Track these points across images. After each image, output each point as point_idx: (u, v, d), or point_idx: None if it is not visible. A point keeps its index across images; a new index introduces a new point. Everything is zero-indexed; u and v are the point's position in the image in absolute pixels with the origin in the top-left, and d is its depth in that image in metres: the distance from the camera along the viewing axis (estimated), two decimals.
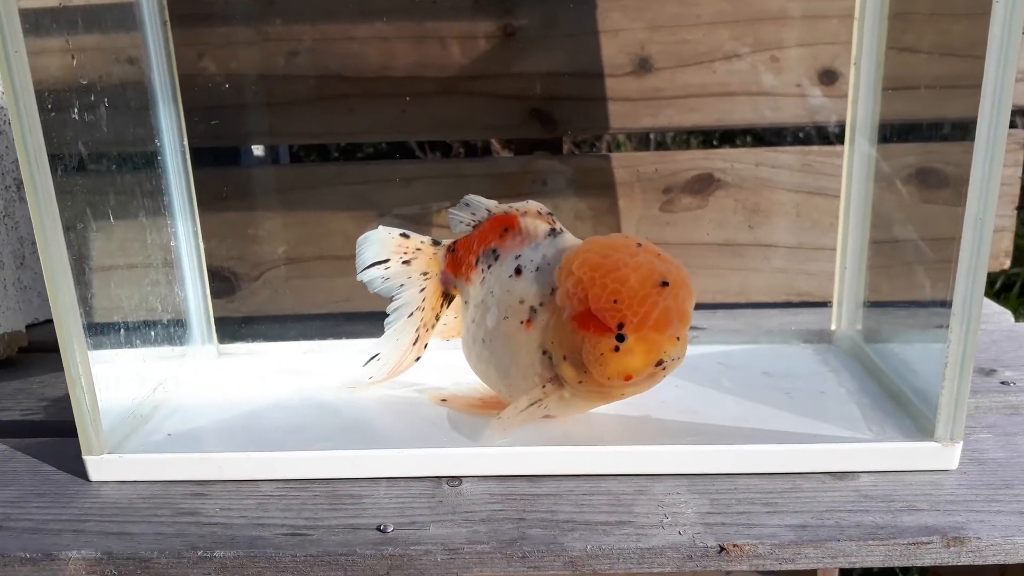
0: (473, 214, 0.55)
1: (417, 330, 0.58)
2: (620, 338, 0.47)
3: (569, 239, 0.52)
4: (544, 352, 0.51)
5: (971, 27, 0.56)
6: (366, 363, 0.58)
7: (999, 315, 0.76)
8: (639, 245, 0.49)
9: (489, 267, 0.54)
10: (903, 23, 0.59)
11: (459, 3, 0.72)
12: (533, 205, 0.53)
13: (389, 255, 0.57)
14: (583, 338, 0.48)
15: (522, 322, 0.51)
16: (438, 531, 0.46)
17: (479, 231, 0.55)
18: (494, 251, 0.54)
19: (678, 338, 0.48)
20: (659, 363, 0.48)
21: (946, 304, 0.55)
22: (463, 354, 0.57)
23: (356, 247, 0.57)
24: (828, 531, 0.44)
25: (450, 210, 0.56)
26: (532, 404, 0.51)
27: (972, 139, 0.52)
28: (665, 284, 0.47)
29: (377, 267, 0.57)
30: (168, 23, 0.61)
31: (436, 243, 0.58)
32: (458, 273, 0.56)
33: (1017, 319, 0.76)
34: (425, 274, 0.58)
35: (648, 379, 0.49)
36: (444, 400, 0.58)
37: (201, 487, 0.51)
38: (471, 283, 0.55)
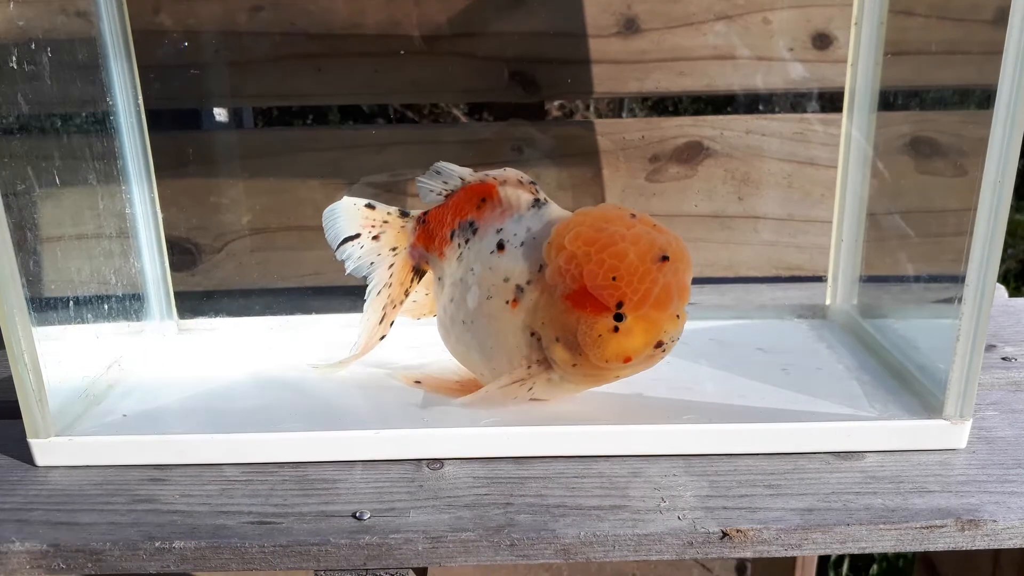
0: (445, 182, 0.51)
1: (384, 307, 0.54)
2: (619, 317, 0.44)
3: (555, 210, 0.48)
4: (532, 334, 0.47)
5: None
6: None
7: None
8: (633, 216, 0.45)
9: (467, 241, 0.50)
10: None
11: None
12: (512, 173, 0.49)
13: (359, 229, 0.53)
14: (578, 318, 0.44)
15: (507, 302, 0.47)
16: (419, 518, 0.42)
17: (453, 201, 0.51)
18: (471, 224, 0.50)
19: (678, 316, 0.45)
20: (658, 344, 0.45)
21: (949, 279, 0.53)
22: (439, 334, 0.53)
23: (323, 221, 0.53)
24: (836, 515, 0.42)
25: (419, 179, 0.52)
26: (514, 382, 0.47)
27: (980, 107, 0.49)
28: (665, 258, 0.43)
29: (351, 244, 0.53)
30: None
31: (404, 214, 0.54)
32: (430, 247, 0.52)
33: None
34: (394, 249, 0.54)
35: (647, 360, 0.46)
36: (418, 382, 0.54)
37: (159, 472, 0.47)
38: (446, 259, 0.51)
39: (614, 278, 0.43)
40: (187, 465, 0.47)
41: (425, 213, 0.53)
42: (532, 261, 0.47)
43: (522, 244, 0.47)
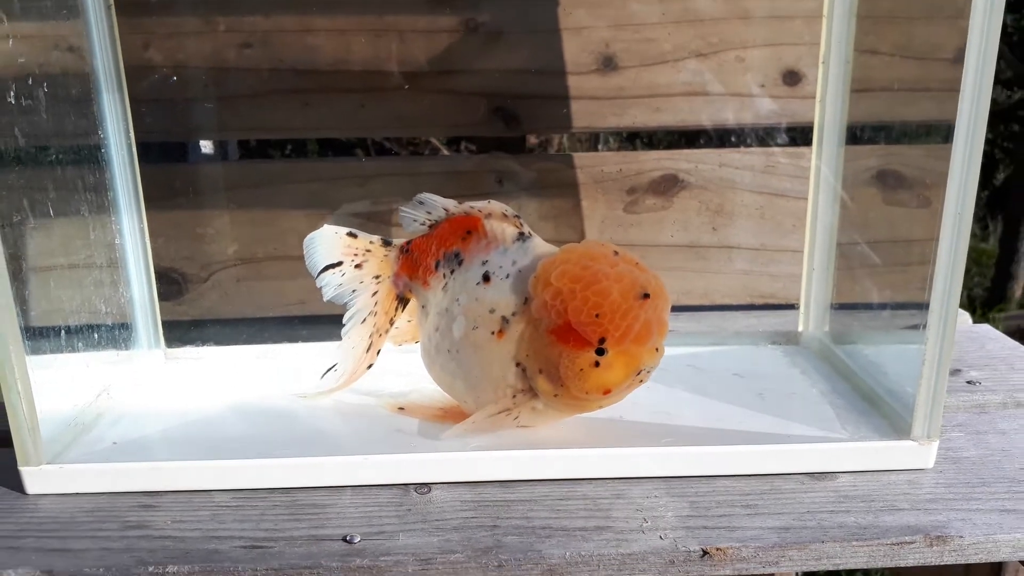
0: (428, 213, 0.53)
1: (371, 336, 0.55)
2: (600, 352, 0.45)
3: (540, 244, 0.50)
4: (518, 364, 0.48)
5: (938, 30, 0.56)
6: (324, 374, 0.55)
7: (958, 316, 0.77)
8: (616, 253, 0.47)
9: (452, 272, 0.51)
10: (871, 24, 0.59)
11: None
12: (497, 206, 0.51)
13: (340, 257, 0.54)
14: (560, 352, 0.46)
15: (493, 332, 0.49)
16: (408, 540, 0.43)
17: (438, 232, 0.53)
18: (457, 255, 0.51)
19: (656, 349, 0.47)
20: (636, 373, 0.46)
21: (915, 306, 0.55)
22: (423, 363, 0.54)
23: (304, 249, 0.54)
24: (811, 532, 0.43)
25: (402, 208, 0.53)
26: (501, 412, 0.49)
27: (942, 141, 0.52)
28: (646, 296, 0.45)
29: (332, 271, 0.54)
30: (112, 7, 0.58)
31: (387, 243, 0.55)
32: (414, 276, 0.54)
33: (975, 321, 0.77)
34: (377, 277, 0.55)
35: (626, 390, 0.47)
36: (401, 409, 0.55)
37: (150, 498, 0.47)
38: (430, 288, 0.53)
39: (597, 315, 0.45)
40: (177, 491, 0.48)
41: (408, 242, 0.54)
42: (518, 294, 0.48)
43: (508, 276, 0.49)
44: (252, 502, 0.47)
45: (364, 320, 0.55)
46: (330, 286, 0.54)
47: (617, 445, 0.49)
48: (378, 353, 0.56)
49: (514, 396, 0.49)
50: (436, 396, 0.55)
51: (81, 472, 0.48)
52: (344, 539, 0.43)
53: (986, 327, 0.72)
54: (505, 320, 0.48)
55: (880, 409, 0.54)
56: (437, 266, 0.52)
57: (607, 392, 0.46)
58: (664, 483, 0.48)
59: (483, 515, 0.45)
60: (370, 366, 0.56)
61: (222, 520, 0.45)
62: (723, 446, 0.49)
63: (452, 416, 0.53)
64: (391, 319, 0.56)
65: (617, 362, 0.45)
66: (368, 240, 0.55)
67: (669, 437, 0.51)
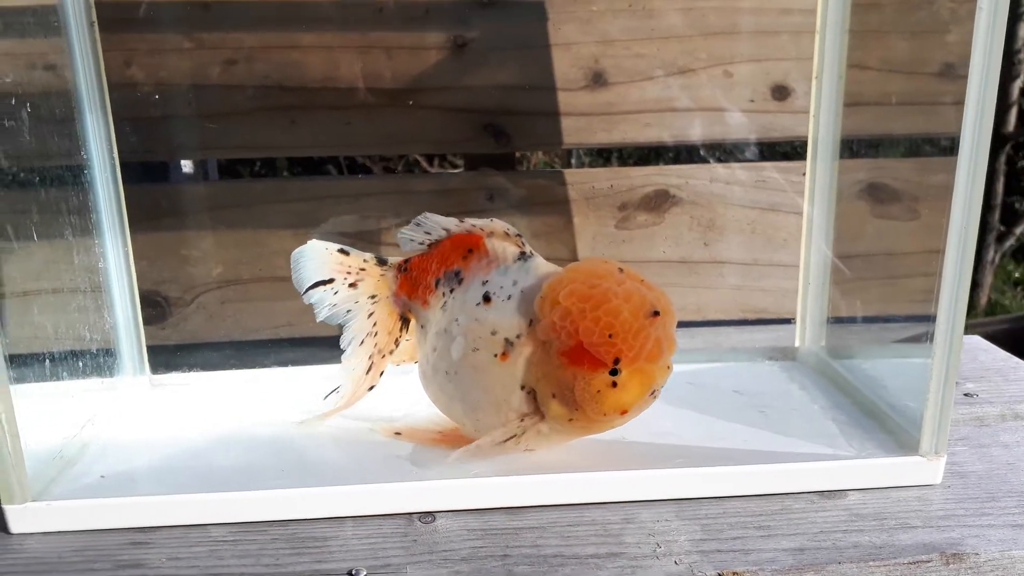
0: (428, 233, 0.51)
1: (371, 357, 0.54)
2: (614, 372, 0.45)
3: (542, 264, 0.49)
4: (523, 388, 0.47)
5: (923, 45, 0.57)
6: (327, 396, 0.54)
7: None
8: (621, 271, 0.47)
9: (451, 291, 0.50)
10: (863, 39, 0.59)
11: (408, 12, 0.69)
12: (499, 225, 0.50)
13: (332, 274, 0.52)
14: (574, 374, 0.45)
15: (496, 355, 0.47)
16: (416, 573, 0.42)
17: (438, 250, 0.51)
18: (457, 274, 0.50)
19: (668, 367, 0.46)
20: (651, 392, 0.46)
21: (911, 319, 0.55)
22: (420, 383, 0.53)
23: (291, 264, 0.52)
24: (827, 554, 0.43)
25: (401, 230, 0.52)
26: (509, 439, 0.48)
27: (934, 154, 0.52)
28: (656, 313, 0.45)
29: (323, 289, 0.52)
30: (96, 24, 0.56)
31: (382, 261, 0.54)
32: (413, 295, 0.52)
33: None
34: (373, 297, 0.53)
35: (640, 410, 0.47)
36: (398, 433, 0.54)
37: (142, 535, 0.46)
38: (429, 307, 0.51)
39: (610, 335, 0.44)
40: (171, 527, 0.46)
41: (407, 261, 0.53)
42: (522, 315, 0.47)
43: (509, 297, 0.48)
44: (250, 536, 0.45)
45: (363, 342, 0.53)
46: (323, 304, 0.53)
47: (624, 468, 0.48)
48: (381, 374, 0.54)
49: (521, 419, 0.48)
50: (433, 419, 0.54)
51: (69, 509, 0.46)
52: (349, 573, 0.42)
53: (976, 338, 0.73)
54: (509, 343, 0.47)
55: (884, 424, 0.53)
56: (437, 284, 0.51)
57: (624, 412, 0.46)
58: (675, 505, 0.47)
59: (492, 544, 0.44)
60: (372, 387, 0.54)
61: (221, 556, 0.44)
62: (733, 466, 0.48)
63: (450, 440, 0.52)
64: (396, 339, 0.54)
65: (632, 381, 0.45)
66: (362, 259, 0.53)
67: (676, 458, 0.50)
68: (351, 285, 0.53)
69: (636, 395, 0.45)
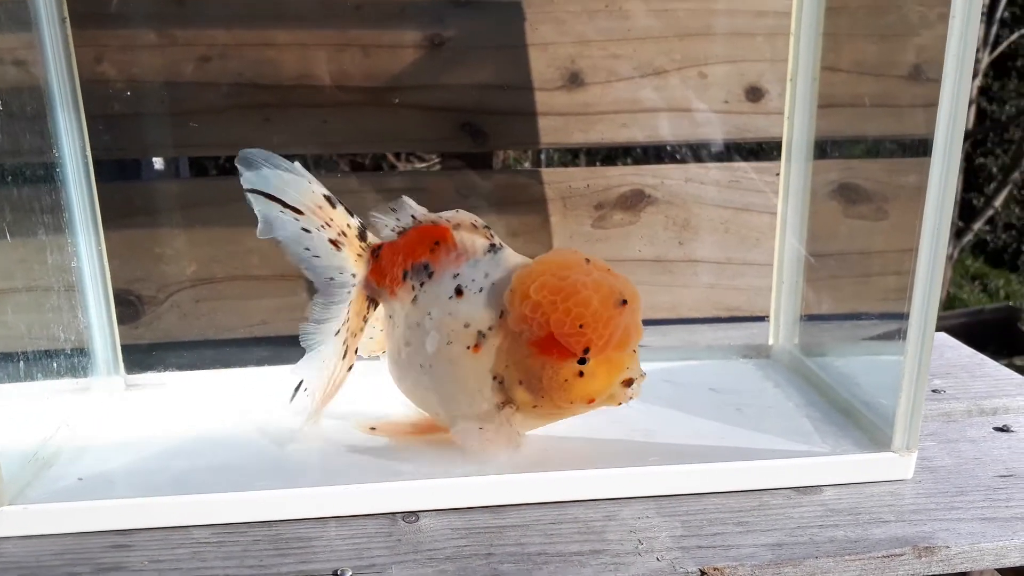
0: (398, 219, 0.51)
1: (345, 341, 0.52)
2: (582, 361, 0.46)
3: (511, 255, 0.50)
4: (495, 378, 0.48)
5: (892, 48, 0.58)
6: (293, 394, 0.52)
7: None
8: (587, 261, 0.47)
9: (422, 284, 0.50)
10: (836, 42, 0.60)
11: (384, 10, 0.69)
12: (465, 216, 0.50)
13: (304, 210, 0.49)
14: (543, 363, 0.46)
15: (468, 347, 0.48)
16: (402, 573, 0.42)
17: (405, 241, 0.51)
18: (426, 267, 0.50)
19: (634, 351, 0.47)
20: (627, 382, 0.47)
21: (882, 316, 0.56)
22: (391, 375, 0.53)
23: (255, 163, 0.48)
24: (804, 548, 0.44)
25: (373, 213, 0.51)
26: (501, 428, 0.49)
27: (912, 155, 0.53)
28: (624, 302, 0.46)
29: (283, 212, 0.49)
30: (67, 20, 0.55)
31: (362, 236, 0.51)
32: (381, 283, 0.51)
33: None
34: (354, 275, 0.51)
35: (608, 400, 0.48)
36: (373, 429, 0.54)
37: (123, 537, 0.45)
38: (397, 298, 0.51)
39: (581, 326, 0.45)
40: (152, 529, 0.46)
41: (379, 246, 0.52)
42: (493, 307, 0.48)
43: (481, 290, 0.48)
44: (233, 537, 0.45)
45: (338, 331, 0.51)
46: (298, 247, 0.49)
47: (603, 466, 0.49)
48: (356, 353, 0.53)
49: (502, 408, 0.48)
50: (406, 411, 0.54)
51: (46, 512, 0.45)
52: (335, 574, 0.42)
53: (943, 335, 0.74)
54: (481, 335, 0.48)
55: (856, 421, 0.54)
56: (405, 277, 0.50)
57: (591, 401, 0.47)
58: (654, 502, 0.48)
59: (476, 543, 0.44)
60: (350, 368, 0.53)
61: (204, 558, 0.43)
62: (711, 463, 0.49)
63: (424, 430, 0.53)
64: (364, 317, 0.53)
65: (600, 370, 0.46)
66: (346, 221, 0.51)
67: (654, 455, 0.50)
68: (332, 243, 0.50)
69: (603, 384, 0.46)
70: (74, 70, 0.56)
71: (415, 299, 0.50)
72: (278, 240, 0.50)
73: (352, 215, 0.51)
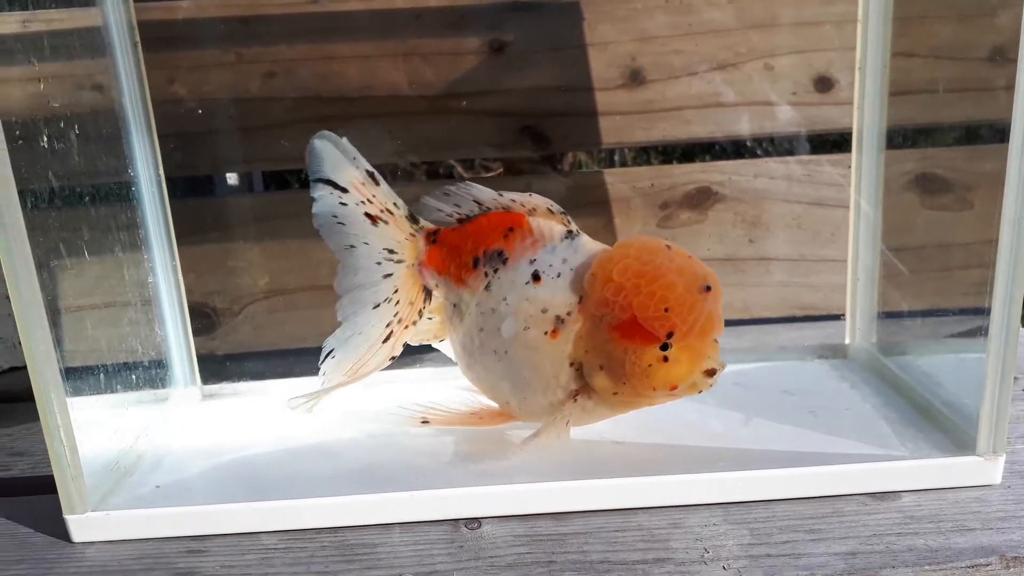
0: (457, 205, 0.50)
1: (389, 325, 0.51)
2: (665, 347, 0.45)
3: (589, 241, 0.49)
4: (571, 364, 0.48)
5: (971, 29, 0.55)
6: (322, 359, 0.52)
7: None
8: (669, 247, 0.47)
9: (496, 271, 0.49)
10: (905, 26, 0.58)
11: (444, 18, 0.69)
12: (540, 200, 0.49)
13: (348, 186, 0.50)
14: (625, 348, 0.46)
15: (546, 333, 0.48)
16: None
17: (474, 228, 0.50)
18: (500, 253, 0.49)
19: (716, 340, 0.46)
20: (710, 372, 0.46)
21: (965, 311, 0.53)
22: (459, 363, 0.52)
23: (307, 152, 0.50)
24: (880, 557, 0.42)
25: (425, 197, 0.50)
26: (558, 420, 0.48)
27: (982, 141, 0.50)
28: (708, 289, 0.45)
29: (330, 192, 0.50)
30: (139, 45, 0.58)
31: (414, 219, 0.51)
32: (444, 271, 0.51)
33: None
34: (393, 253, 0.51)
35: (689, 388, 0.47)
36: (425, 421, 0.53)
37: (197, 543, 0.47)
38: (467, 287, 0.50)
39: (666, 309, 0.45)
40: (224, 535, 0.47)
41: (436, 231, 0.51)
42: (572, 292, 0.47)
43: (559, 275, 0.48)
44: (300, 543, 0.46)
45: (378, 306, 0.51)
46: (328, 216, 0.50)
47: (671, 471, 0.48)
48: (402, 346, 0.52)
49: (575, 399, 0.48)
50: (458, 400, 0.54)
51: (127, 518, 0.47)
52: None
53: None
54: (560, 320, 0.47)
55: (938, 423, 0.52)
56: (476, 264, 0.50)
57: (674, 388, 0.46)
58: (722, 509, 0.47)
59: (537, 550, 0.44)
60: (393, 358, 0.52)
61: (272, 564, 0.44)
62: (781, 469, 0.47)
63: (483, 418, 0.52)
64: (419, 311, 0.52)
65: (683, 356, 0.45)
66: (391, 200, 0.51)
67: (724, 461, 0.49)
68: (368, 216, 0.50)
69: (686, 371, 0.45)
70: (146, 92, 0.58)
71: (488, 286, 0.49)
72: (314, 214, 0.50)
73: (394, 194, 0.51)
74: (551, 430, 0.48)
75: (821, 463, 0.48)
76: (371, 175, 0.51)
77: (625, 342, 0.45)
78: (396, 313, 0.51)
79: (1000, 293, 0.45)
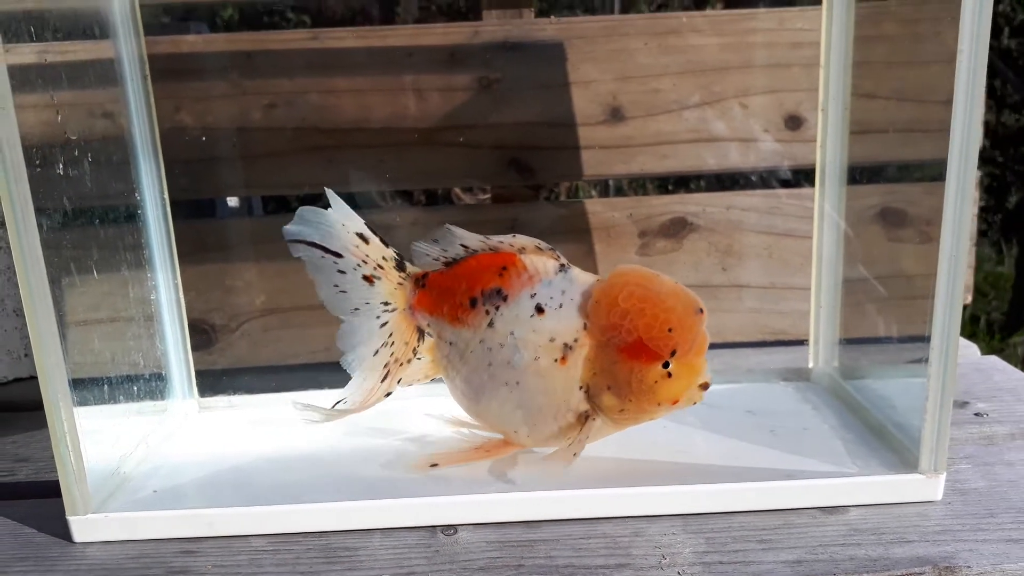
0: (444, 249, 0.53)
1: (387, 366, 0.54)
2: (666, 364, 0.49)
3: (581, 274, 0.52)
4: (581, 387, 0.51)
5: (928, 74, 0.59)
6: (333, 407, 0.55)
7: (964, 348, 0.79)
8: (657, 275, 0.51)
9: (497, 308, 0.52)
10: (866, 70, 0.62)
11: (435, 56, 0.74)
12: (526, 240, 0.52)
13: (342, 251, 0.53)
14: (631, 368, 0.50)
15: (556, 360, 0.51)
16: None
17: (464, 270, 0.53)
18: (498, 291, 0.52)
19: (706, 359, 0.51)
20: (704, 386, 0.51)
21: (920, 339, 0.57)
22: (461, 400, 0.55)
23: (295, 218, 0.52)
24: (823, 566, 0.45)
25: (416, 243, 0.54)
26: (575, 442, 0.52)
27: (937, 179, 0.54)
28: (701, 311, 0.50)
29: (324, 256, 0.53)
30: (148, 77, 0.62)
31: (400, 266, 0.54)
32: (436, 312, 0.54)
33: (984, 352, 0.78)
34: (387, 304, 0.54)
35: (688, 401, 0.51)
36: (435, 465, 0.55)
37: (191, 544, 0.50)
38: (465, 325, 0.53)
39: (670, 329, 0.49)
40: (217, 537, 0.50)
41: (424, 275, 0.54)
42: (575, 321, 0.51)
43: (561, 306, 0.51)
44: (288, 546, 0.49)
45: (377, 352, 0.54)
46: (328, 287, 0.54)
47: (635, 484, 0.51)
48: (397, 382, 0.56)
49: (591, 418, 0.51)
50: (463, 438, 0.57)
51: (125, 520, 0.50)
52: None
53: (993, 359, 0.74)
54: (567, 347, 0.51)
55: (889, 443, 0.55)
56: (473, 304, 0.53)
57: (675, 402, 0.50)
58: (682, 520, 0.50)
59: (508, 555, 0.47)
60: (388, 394, 0.56)
61: (260, 564, 0.47)
62: (738, 483, 0.51)
63: (486, 451, 0.55)
64: (413, 348, 0.55)
65: (683, 372, 0.50)
66: (381, 254, 0.53)
67: (685, 475, 0.53)
68: (366, 278, 0.53)
69: (685, 386, 0.50)
70: (154, 120, 0.62)
71: (491, 323, 0.52)
72: (314, 280, 0.54)
73: (388, 246, 0.54)
74: (571, 448, 0.51)
75: (776, 478, 0.51)
76: (360, 236, 0.53)
77: (632, 362, 0.50)
78: (392, 353, 0.55)
79: (939, 322, 0.48)
